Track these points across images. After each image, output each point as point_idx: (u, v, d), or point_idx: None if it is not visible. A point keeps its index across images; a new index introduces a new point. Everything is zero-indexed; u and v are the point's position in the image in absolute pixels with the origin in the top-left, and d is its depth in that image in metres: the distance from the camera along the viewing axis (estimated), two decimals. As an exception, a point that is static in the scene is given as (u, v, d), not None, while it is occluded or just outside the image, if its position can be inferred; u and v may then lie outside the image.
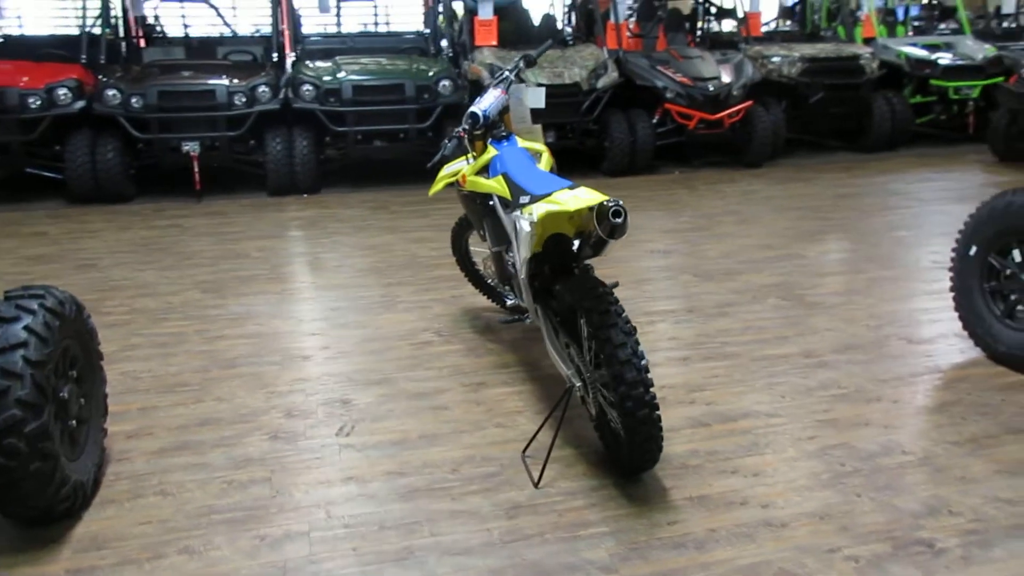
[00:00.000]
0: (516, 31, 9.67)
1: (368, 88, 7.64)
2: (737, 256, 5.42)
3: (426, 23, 9.84)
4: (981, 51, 9.74)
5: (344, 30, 10.18)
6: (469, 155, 3.60)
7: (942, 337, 3.98)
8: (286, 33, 8.80)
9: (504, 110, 3.56)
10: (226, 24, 9.95)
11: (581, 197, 2.57)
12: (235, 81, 7.54)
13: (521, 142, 3.50)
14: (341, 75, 7.67)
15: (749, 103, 8.51)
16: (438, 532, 2.54)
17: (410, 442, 3.09)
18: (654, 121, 8.48)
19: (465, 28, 8.81)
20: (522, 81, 3.70)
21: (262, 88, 7.57)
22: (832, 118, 9.42)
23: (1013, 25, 12.32)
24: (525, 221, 2.84)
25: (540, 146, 3.59)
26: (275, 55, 8.41)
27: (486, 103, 3.47)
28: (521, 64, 3.69)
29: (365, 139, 7.78)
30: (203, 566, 2.40)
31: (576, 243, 3.01)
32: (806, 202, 7.06)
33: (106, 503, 2.72)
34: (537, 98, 3.97)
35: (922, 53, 9.69)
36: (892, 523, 2.53)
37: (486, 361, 3.82)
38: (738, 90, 8.46)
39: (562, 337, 3.00)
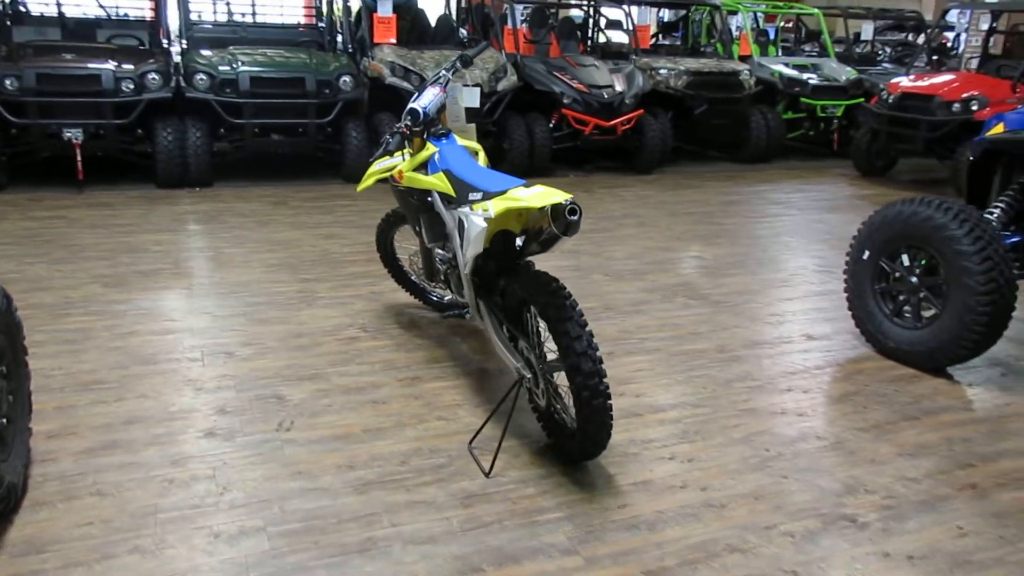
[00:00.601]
0: (413, 30, 9.67)
1: (267, 80, 7.43)
2: (642, 257, 5.67)
3: (317, 17, 9.65)
4: (844, 73, 10.55)
5: (224, 19, 9.79)
6: (405, 151, 3.61)
7: (837, 334, 4.33)
8: (172, 18, 8.42)
9: (441, 108, 3.60)
10: (101, 6, 9.40)
11: (544, 194, 2.66)
12: (122, 66, 7.15)
13: (459, 140, 3.55)
14: (238, 66, 7.43)
15: (640, 112, 8.86)
16: (398, 522, 2.56)
17: (354, 436, 3.08)
18: (551, 125, 8.69)
19: (364, 24, 8.72)
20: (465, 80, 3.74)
21: (152, 75, 7.21)
22: (714, 129, 9.93)
23: (867, 50, 13.40)
24: (477, 217, 2.90)
25: (475, 144, 3.65)
26: (164, 41, 8.04)
27: (425, 100, 3.50)
28: (458, 64, 3.74)
29: (262, 132, 7.56)
30: (159, 565, 2.33)
31: (519, 240, 3.09)
32: (697, 207, 7.44)
33: (38, 505, 2.58)
34: (472, 98, 4.00)
35: (794, 72, 10.39)
36: (818, 501, 2.76)
37: (417, 356, 3.84)
38: (630, 99, 8.79)
39: (508, 330, 3.08)
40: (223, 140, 7.69)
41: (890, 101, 8.90)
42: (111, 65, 7.12)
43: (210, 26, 8.91)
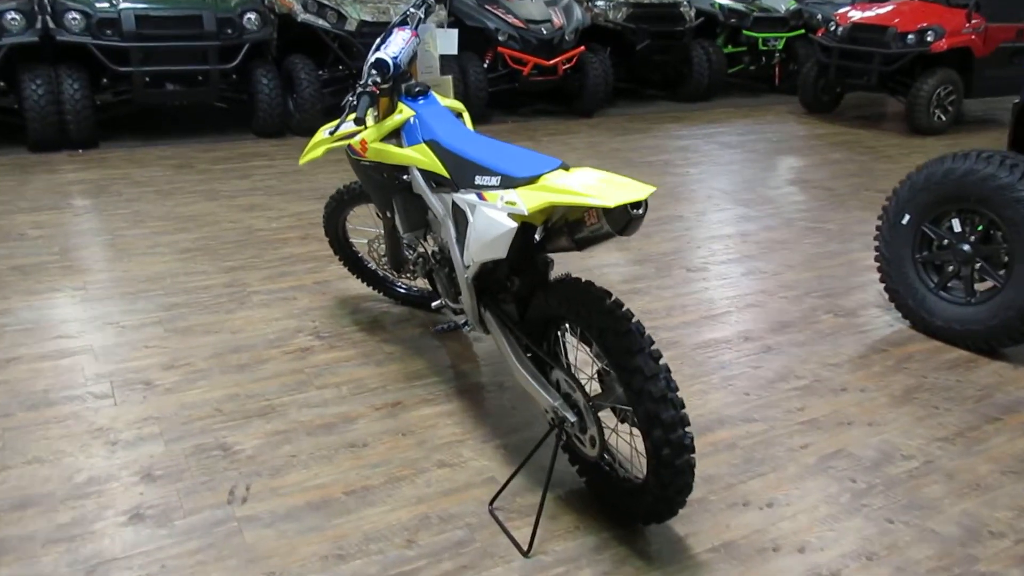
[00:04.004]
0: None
1: (156, 19, 6.28)
2: (618, 220, 5.00)
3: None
4: (783, 3, 10.02)
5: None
6: (368, 114, 2.78)
7: (863, 308, 3.80)
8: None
9: (413, 57, 2.79)
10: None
11: (612, 186, 1.91)
12: (-28, 4, 5.88)
13: (440, 99, 2.75)
14: (119, 2, 6.23)
15: (581, 49, 8.10)
16: (425, 649, 1.86)
17: (335, 503, 2.33)
18: (485, 65, 7.83)
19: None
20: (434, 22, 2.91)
21: (11, 15, 5.96)
22: (655, 66, 9.29)
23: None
24: (495, 212, 2.14)
25: (456, 103, 2.85)
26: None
27: (395, 48, 2.67)
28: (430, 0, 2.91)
29: (154, 82, 6.44)
30: None
31: (538, 233, 2.36)
32: (654, 155, 6.81)
33: None
34: (449, 43, 3.16)
35: (734, 3, 9.79)
36: (943, 556, 2.20)
37: (391, 371, 3.08)
38: (570, 35, 8.01)
39: (530, 352, 2.36)
40: (107, 92, 6.52)
41: (839, 33, 8.42)
42: (-43, 3, 5.84)
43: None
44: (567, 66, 7.99)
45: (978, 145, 7.62)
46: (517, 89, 8.08)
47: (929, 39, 7.79)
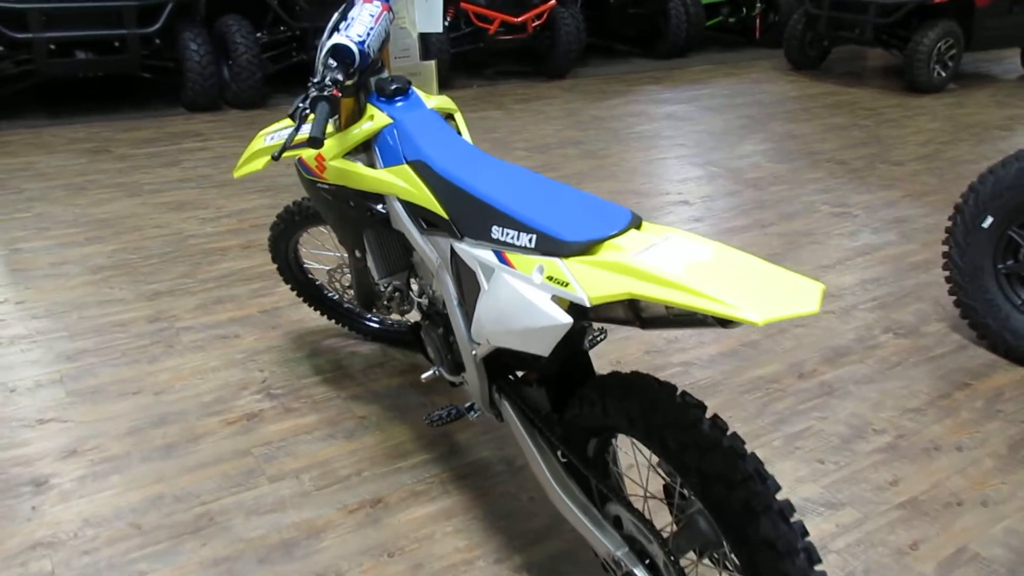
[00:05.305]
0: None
1: (58, -25, 5.32)
2: (616, 210, 4.31)
3: None
4: (761, -52, 9.28)
5: None
6: (330, 121, 2.02)
7: (924, 323, 3.20)
8: None
9: (386, 39, 2.03)
10: None
11: (744, 280, 1.21)
12: None
13: (426, 98, 2.01)
14: (12, -46, 5.26)
15: (552, 3, 7.30)
16: None
17: None
18: (446, 24, 6.99)
19: None
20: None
21: None
22: (629, 20, 8.52)
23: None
24: (538, 293, 1.43)
25: (446, 101, 2.11)
26: None
27: (361, 28, 1.91)
28: (405, -46, 2.14)
29: (61, 50, 5.50)
30: None
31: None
32: (641, 125, 6.10)
33: None
34: (431, 16, 2.36)
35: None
36: None
37: (366, 447, 2.38)
38: (539, -13, 7.20)
39: (570, 470, 1.68)
40: (4, 63, 5.56)
41: (830, -19, 7.73)
42: None
43: None
44: (537, 23, 7.20)
45: (983, 102, 7.07)
46: (482, 49, 7.27)
47: (930, -12, 7.15)
